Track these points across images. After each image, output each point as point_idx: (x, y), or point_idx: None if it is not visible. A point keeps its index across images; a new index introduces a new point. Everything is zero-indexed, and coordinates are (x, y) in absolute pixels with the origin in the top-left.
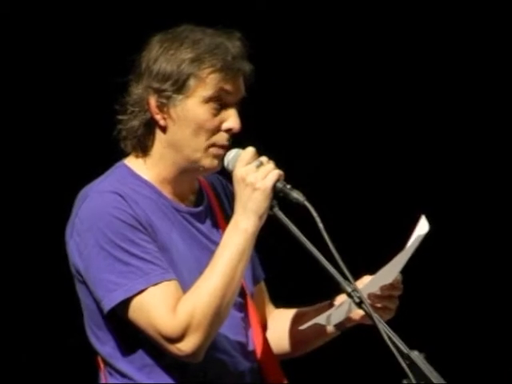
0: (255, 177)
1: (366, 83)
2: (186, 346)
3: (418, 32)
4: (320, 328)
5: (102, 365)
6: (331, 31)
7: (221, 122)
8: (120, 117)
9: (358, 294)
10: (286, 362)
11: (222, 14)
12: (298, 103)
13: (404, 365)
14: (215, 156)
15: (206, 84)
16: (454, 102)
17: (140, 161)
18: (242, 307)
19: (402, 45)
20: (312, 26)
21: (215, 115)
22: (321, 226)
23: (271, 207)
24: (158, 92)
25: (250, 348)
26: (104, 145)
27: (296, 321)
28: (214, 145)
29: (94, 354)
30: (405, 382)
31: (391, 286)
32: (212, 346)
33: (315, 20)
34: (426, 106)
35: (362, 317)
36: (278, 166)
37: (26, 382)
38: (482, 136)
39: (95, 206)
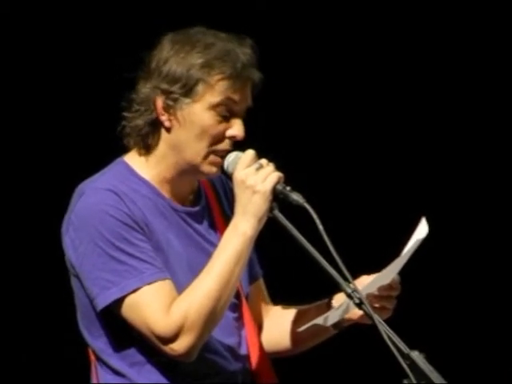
0: (255, 179)
1: (365, 85)
2: (179, 346)
3: (418, 32)
4: (317, 327)
5: (93, 358)
6: (331, 32)
7: (225, 129)
8: (125, 114)
9: (357, 295)
10: (286, 362)
11: (222, 14)
12: (297, 104)
13: (404, 365)
14: (214, 163)
15: (214, 91)
16: (454, 104)
17: (142, 159)
18: (236, 308)
19: (402, 46)
20: (312, 27)
21: (220, 122)
22: (321, 227)
23: (271, 209)
24: (166, 93)
25: (243, 349)
26: (104, 139)
27: (293, 319)
28: (215, 151)
29: (85, 347)
30: (405, 382)
31: (389, 286)
32: (203, 346)
33: (315, 20)
34: (426, 108)
35: (360, 316)
36: (278, 168)
37: (26, 378)
38: (483, 138)
39: (91, 204)
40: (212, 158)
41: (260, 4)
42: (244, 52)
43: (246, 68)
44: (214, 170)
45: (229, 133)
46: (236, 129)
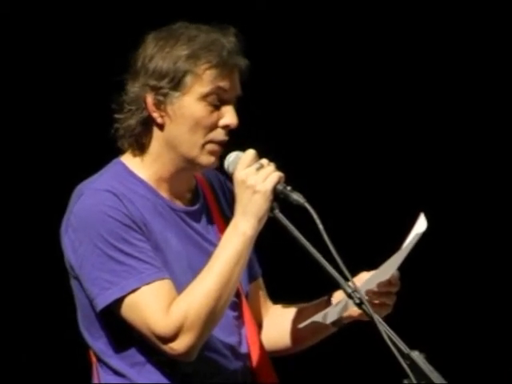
0: (255, 179)
1: (365, 83)
2: (179, 345)
3: (418, 32)
4: (316, 325)
5: (94, 359)
6: (331, 31)
7: (218, 119)
8: (117, 115)
9: (358, 295)
10: (286, 361)
11: (221, 14)
12: (297, 104)
13: (405, 365)
14: (212, 152)
15: (203, 80)
16: (453, 101)
17: (137, 159)
18: (236, 306)
19: (402, 45)
20: (312, 27)
21: (212, 112)
22: (321, 227)
23: (271, 209)
24: (155, 90)
25: (243, 347)
26: (100, 141)
27: (293, 318)
28: (211, 141)
29: (86, 348)
30: (405, 382)
31: (389, 282)
32: (204, 345)
33: (315, 20)
34: (424, 105)
35: (360, 313)
36: (279, 168)
37: (27, 380)
38: (480, 134)
39: (90, 204)
40: (209, 146)
41: (260, 4)
42: (228, 40)
43: (232, 55)
44: (212, 159)
45: (222, 122)
46: (229, 117)
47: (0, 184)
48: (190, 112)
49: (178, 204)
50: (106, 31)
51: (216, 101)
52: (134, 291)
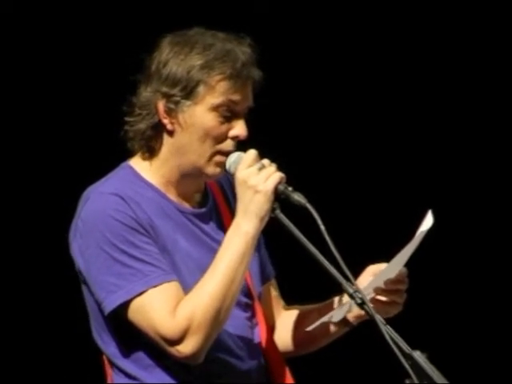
0: (257, 179)
1: (366, 84)
2: (186, 348)
3: (418, 32)
4: (327, 326)
5: (107, 363)
6: (332, 34)
7: (228, 130)
8: (127, 118)
9: (359, 295)
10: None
11: (222, 16)
12: (299, 105)
13: (406, 365)
14: (218, 164)
15: (215, 91)
16: (457, 101)
17: (146, 163)
18: (249, 307)
19: (402, 45)
20: (313, 30)
21: (222, 123)
22: (322, 227)
23: (273, 210)
24: (167, 97)
25: (256, 347)
26: (109, 144)
27: (305, 319)
28: (218, 152)
29: (99, 353)
30: (407, 382)
31: (397, 279)
32: (216, 346)
33: (316, 23)
34: (426, 104)
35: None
36: (280, 168)
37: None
38: (483, 133)
39: (97, 208)
40: (217, 158)
41: (262, 7)
42: (243, 51)
43: (246, 67)
44: (218, 170)
45: (231, 133)
46: (238, 129)
47: (9, 189)
48: (200, 122)
49: (187, 206)
50: (111, 31)
51: (227, 112)
52: (140, 294)
